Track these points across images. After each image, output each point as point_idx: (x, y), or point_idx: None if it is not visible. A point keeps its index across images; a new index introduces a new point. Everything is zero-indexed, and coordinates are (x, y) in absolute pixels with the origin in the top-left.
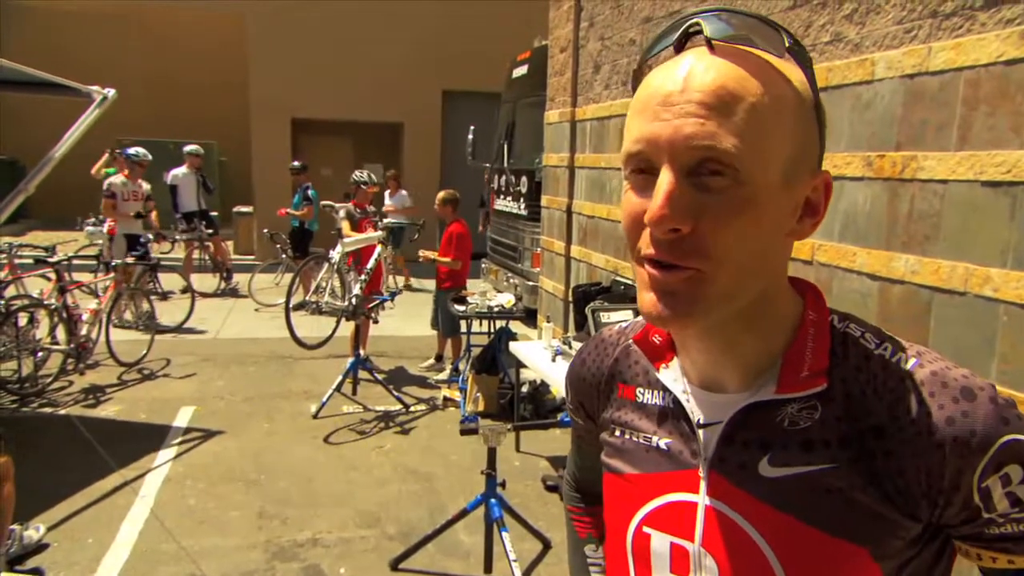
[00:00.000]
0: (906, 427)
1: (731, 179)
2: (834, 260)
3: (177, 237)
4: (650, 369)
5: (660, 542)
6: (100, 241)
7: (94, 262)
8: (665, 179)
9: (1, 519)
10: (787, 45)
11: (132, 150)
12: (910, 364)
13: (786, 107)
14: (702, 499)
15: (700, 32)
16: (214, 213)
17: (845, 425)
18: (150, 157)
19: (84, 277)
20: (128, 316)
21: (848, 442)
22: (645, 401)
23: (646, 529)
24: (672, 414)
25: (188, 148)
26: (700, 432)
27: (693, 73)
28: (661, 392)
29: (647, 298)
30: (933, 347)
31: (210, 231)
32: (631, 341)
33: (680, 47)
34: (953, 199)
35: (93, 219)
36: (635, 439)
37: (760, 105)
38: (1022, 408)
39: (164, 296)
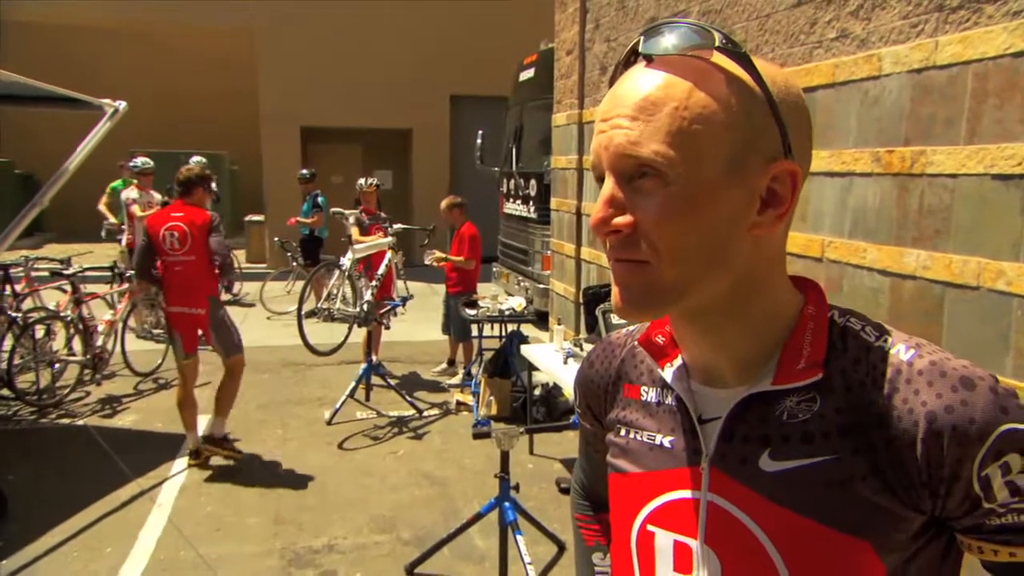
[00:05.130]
0: (904, 417)
1: (659, 180)
2: (844, 257)
3: None
4: (654, 368)
5: (664, 540)
6: (119, 237)
7: (109, 273)
8: (606, 186)
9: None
10: (717, 45)
11: (135, 161)
12: (909, 355)
13: (721, 102)
14: (704, 496)
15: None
16: None
17: (845, 416)
18: (151, 164)
19: (100, 288)
20: (147, 326)
21: (848, 433)
22: (649, 399)
23: (650, 527)
24: (674, 411)
25: (192, 160)
26: (701, 428)
27: (625, 88)
28: (664, 390)
29: (613, 292)
30: (947, 343)
31: None
32: (636, 342)
33: (629, 66)
34: (963, 193)
35: (109, 222)
36: (639, 438)
37: (685, 106)
38: None
39: None
